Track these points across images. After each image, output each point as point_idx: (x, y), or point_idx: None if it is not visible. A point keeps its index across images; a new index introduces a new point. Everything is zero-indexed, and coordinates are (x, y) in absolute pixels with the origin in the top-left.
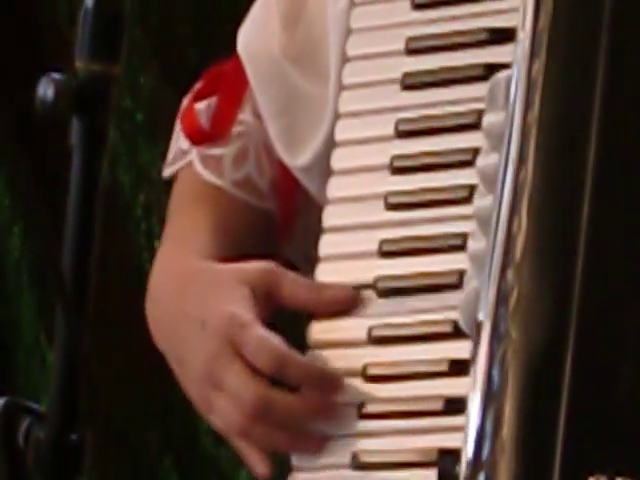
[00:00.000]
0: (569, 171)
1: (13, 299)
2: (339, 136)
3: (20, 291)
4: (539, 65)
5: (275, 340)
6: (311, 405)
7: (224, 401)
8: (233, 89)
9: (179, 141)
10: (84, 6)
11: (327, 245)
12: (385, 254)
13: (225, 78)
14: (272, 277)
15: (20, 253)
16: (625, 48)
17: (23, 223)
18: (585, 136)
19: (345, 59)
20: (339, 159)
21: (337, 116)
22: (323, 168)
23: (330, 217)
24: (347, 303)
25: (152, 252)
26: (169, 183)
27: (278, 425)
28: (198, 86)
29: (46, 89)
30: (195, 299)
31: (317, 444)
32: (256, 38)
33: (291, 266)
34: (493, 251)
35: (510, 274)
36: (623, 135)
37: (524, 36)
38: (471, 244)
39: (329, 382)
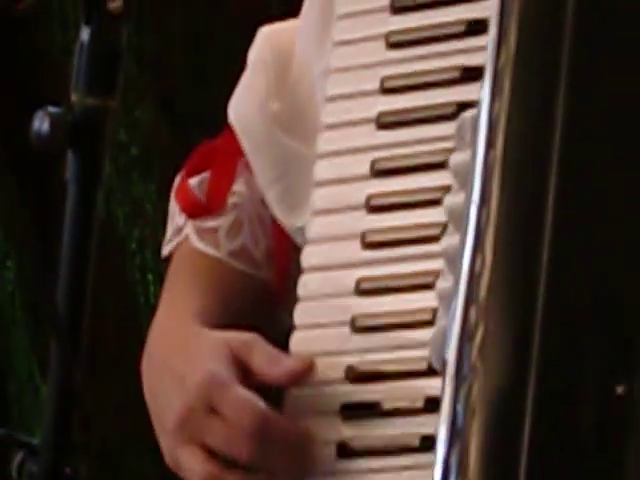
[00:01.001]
0: (531, 210)
1: (7, 332)
2: (319, 176)
3: (14, 324)
4: (500, 104)
5: (256, 401)
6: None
7: (191, 455)
8: (226, 163)
9: (175, 218)
10: (80, 40)
11: (306, 284)
12: (362, 292)
13: (217, 153)
14: (247, 349)
15: (14, 286)
16: (585, 86)
17: (17, 256)
18: (546, 175)
19: (325, 99)
20: (320, 201)
21: (317, 156)
22: None
23: (309, 256)
24: (303, 372)
25: (146, 286)
26: (164, 217)
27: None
28: (190, 162)
29: (41, 123)
30: (181, 357)
31: None
32: (247, 108)
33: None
34: (457, 290)
35: (473, 313)
36: (584, 174)
37: (486, 74)
38: (439, 283)
39: (311, 441)
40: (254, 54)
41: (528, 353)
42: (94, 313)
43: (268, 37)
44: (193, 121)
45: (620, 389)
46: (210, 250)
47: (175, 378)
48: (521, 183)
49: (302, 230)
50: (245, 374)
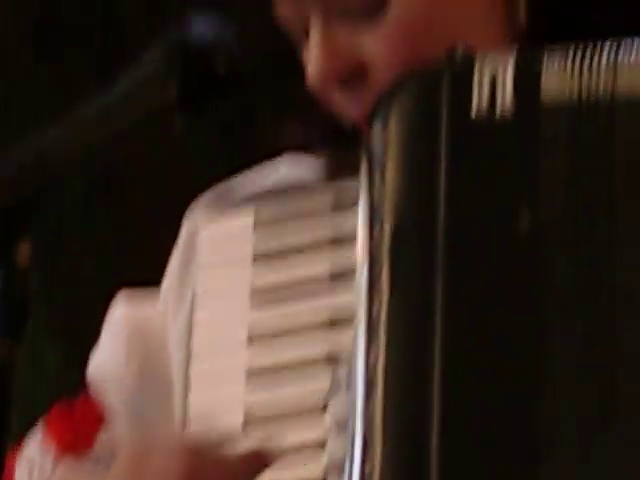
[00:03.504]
0: (414, 463)
1: None
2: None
3: None
4: (376, 353)
5: None
6: None
7: None
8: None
9: None
10: None
11: None
12: None
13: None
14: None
15: None
16: (460, 329)
17: None
18: (427, 431)
19: (191, 355)
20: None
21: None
22: None
23: None
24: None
25: None
26: None
27: None
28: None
29: None
30: None
31: None
32: (105, 366)
33: None
34: None
35: None
36: (463, 426)
37: (358, 324)
38: None
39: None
40: (110, 317)
41: None
42: None
43: (125, 301)
44: None
45: None
46: None
47: None
48: (402, 442)
49: None
50: None
